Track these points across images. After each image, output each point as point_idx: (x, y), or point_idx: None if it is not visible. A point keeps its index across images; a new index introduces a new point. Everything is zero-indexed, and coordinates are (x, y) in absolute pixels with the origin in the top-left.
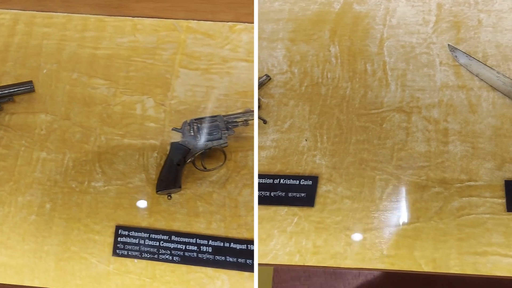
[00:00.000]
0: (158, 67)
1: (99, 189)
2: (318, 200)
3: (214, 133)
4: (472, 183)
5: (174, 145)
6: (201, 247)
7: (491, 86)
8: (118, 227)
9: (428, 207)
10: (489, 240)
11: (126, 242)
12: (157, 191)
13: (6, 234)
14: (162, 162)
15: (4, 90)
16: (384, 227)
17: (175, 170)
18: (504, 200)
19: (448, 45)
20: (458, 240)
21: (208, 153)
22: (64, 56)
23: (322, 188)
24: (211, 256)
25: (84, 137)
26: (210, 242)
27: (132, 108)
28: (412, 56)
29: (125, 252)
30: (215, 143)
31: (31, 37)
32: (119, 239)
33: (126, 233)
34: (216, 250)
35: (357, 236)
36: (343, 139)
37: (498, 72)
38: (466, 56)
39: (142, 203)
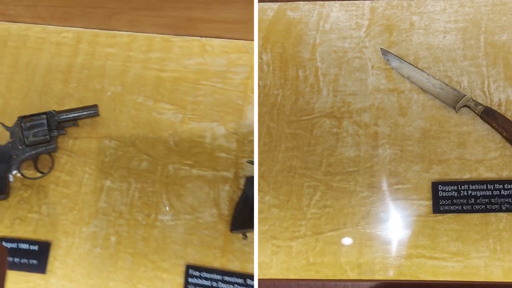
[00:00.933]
0: (229, 92)
1: (166, 223)
2: None
3: None
4: (400, 186)
5: (250, 180)
6: None
7: (421, 88)
8: (188, 266)
9: (355, 213)
10: (414, 243)
11: (198, 283)
12: (231, 230)
13: (70, 267)
14: (235, 197)
15: (69, 114)
16: (311, 235)
17: (250, 207)
18: (430, 202)
19: (381, 48)
20: (383, 244)
21: None
22: (129, 79)
23: None
24: None
25: (151, 166)
26: None
27: (201, 136)
28: (345, 61)
29: None
30: None
31: (94, 58)
32: (189, 279)
33: (198, 273)
34: None
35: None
36: (272, 147)
37: (428, 74)
38: (398, 59)
39: (214, 241)
